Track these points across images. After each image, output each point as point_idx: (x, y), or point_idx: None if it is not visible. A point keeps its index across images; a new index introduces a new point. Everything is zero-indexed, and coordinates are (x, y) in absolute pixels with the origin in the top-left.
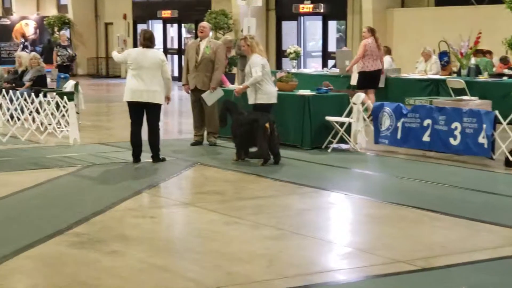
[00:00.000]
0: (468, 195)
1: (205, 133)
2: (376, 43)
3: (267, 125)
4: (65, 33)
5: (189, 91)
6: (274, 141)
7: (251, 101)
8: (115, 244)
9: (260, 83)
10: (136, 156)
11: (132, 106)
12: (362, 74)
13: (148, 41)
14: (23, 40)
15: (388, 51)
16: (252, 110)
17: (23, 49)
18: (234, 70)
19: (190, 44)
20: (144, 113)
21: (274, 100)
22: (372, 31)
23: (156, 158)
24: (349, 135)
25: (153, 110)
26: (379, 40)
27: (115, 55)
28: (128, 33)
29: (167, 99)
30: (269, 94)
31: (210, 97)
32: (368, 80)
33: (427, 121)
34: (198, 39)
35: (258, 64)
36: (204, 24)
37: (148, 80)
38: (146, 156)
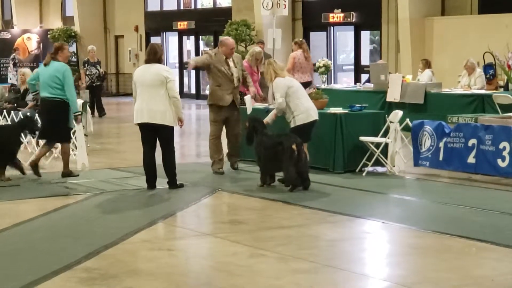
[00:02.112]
0: None
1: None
2: (305, 56)
3: (293, 147)
4: (94, 48)
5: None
6: (302, 164)
7: (292, 124)
8: (128, 280)
9: (292, 104)
10: (151, 183)
11: (140, 128)
12: None
13: (147, 56)
14: (14, 55)
15: (427, 64)
16: (290, 132)
17: (14, 66)
18: None
19: (217, 58)
20: (154, 135)
21: (314, 116)
22: (299, 44)
23: (173, 184)
24: (386, 157)
25: (161, 132)
26: (307, 52)
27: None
28: (140, 47)
29: (179, 121)
30: (306, 111)
31: (249, 105)
32: None
33: (472, 141)
34: (222, 55)
35: (279, 88)
36: (234, 44)
37: (149, 99)
38: (162, 182)
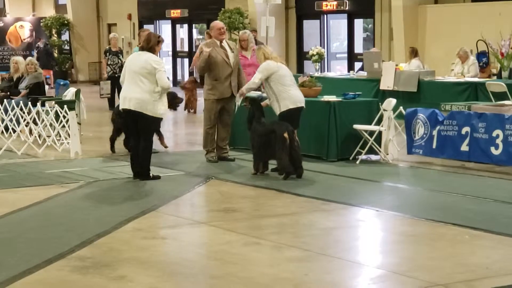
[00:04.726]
0: None
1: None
2: None
3: (285, 135)
4: (116, 35)
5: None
6: (295, 152)
7: (277, 111)
8: (122, 269)
9: (276, 89)
10: (138, 173)
11: (125, 115)
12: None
13: (142, 43)
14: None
15: (413, 53)
16: (278, 120)
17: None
18: None
19: (212, 49)
20: (136, 124)
21: (300, 103)
22: (208, 33)
23: (144, 176)
24: (380, 145)
25: (139, 120)
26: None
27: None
28: (134, 35)
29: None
30: (290, 98)
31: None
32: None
33: (466, 129)
34: (216, 41)
35: (264, 70)
36: (222, 23)
37: (130, 86)
38: (154, 171)
